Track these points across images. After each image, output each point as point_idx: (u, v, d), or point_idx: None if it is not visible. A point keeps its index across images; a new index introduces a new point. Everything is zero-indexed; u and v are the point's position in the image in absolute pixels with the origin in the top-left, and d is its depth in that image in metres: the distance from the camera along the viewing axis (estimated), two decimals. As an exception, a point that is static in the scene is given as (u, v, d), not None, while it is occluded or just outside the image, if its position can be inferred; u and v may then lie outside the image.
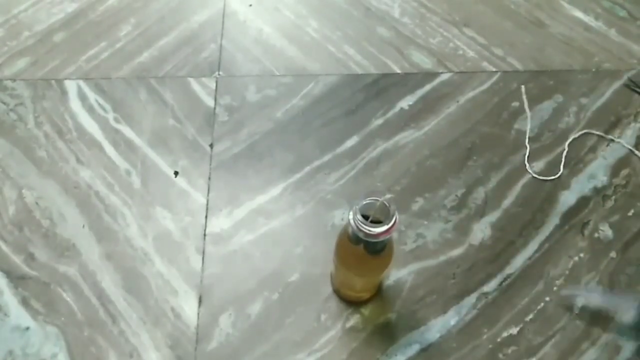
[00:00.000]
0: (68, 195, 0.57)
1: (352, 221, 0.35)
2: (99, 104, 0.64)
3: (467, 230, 0.55)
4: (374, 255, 0.40)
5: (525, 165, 0.59)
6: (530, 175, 0.59)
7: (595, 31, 0.72)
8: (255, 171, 0.59)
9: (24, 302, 0.51)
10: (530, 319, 0.50)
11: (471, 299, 0.51)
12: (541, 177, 0.58)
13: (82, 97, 0.65)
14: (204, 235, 0.55)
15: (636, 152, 0.60)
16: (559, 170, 0.59)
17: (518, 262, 0.53)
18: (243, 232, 0.55)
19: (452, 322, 0.50)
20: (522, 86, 0.65)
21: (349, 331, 0.50)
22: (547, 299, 0.51)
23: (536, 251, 0.54)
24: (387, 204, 0.35)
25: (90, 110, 0.64)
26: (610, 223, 0.56)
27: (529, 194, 0.58)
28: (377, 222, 0.35)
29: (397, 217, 0.35)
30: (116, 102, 0.64)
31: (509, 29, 0.72)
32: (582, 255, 0.54)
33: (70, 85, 0.65)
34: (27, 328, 0.50)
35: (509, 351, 0.49)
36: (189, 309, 0.51)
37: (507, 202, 0.57)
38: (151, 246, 0.54)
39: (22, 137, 0.61)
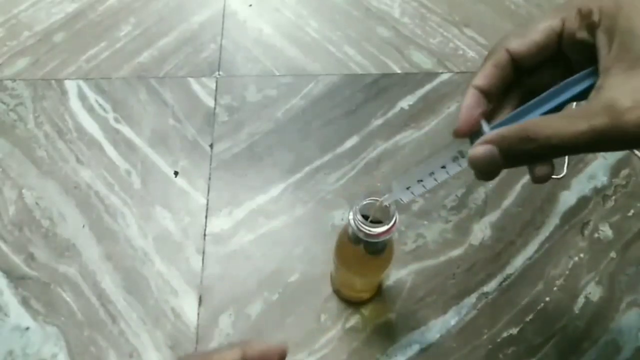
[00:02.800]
0: (68, 195, 0.57)
1: (352, 221, 0.35)
2: (99, 104, 0.64)
3: (467, 230, 0.55)
4: (374, 256, 0.40)
5: None
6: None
7: (595, 31, 0.71)
8: (255, 171, 0.59)
9: (24, 302, 0.51)
10: (530, 319, 0.50)
11: (471, 299, 0.51)
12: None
13: (82, 97, 0.65)
14: (204, 235, 0.55)
15: (636, 152, 0.60)
16: (563, 170, 0.59)
17: (518, 262, 0.53)
18: (243, 232, 0.55)
19: (452, 322, 0.50)
20: None
21: (349, 331, 0.50)
22: (547, 299, 0.51)
23: (536, 251, 0.54)
24: (387, 204, 0.35)
25: (90, 110, 0.64)
26: (610, 223, 0.56)
27: (529, 194, 0.58)
28: (377, 222, 0.35)
29: (397, 217, 0.35)
30: (116, 102, 0.64)
31: (509, 29, 0.72)
32: (582, 255, 0.54)
33: (70, 85, 0.66)
34: (27, 328, 0.50)
35: (509, 351, 0.49)
36: (189, 309, 0.51)
37: (507, 202, 0.57)
38: (151, 246, 0.54)
39: (22, 137, 0.61)
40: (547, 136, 0.23)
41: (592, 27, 0.24)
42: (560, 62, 0.27)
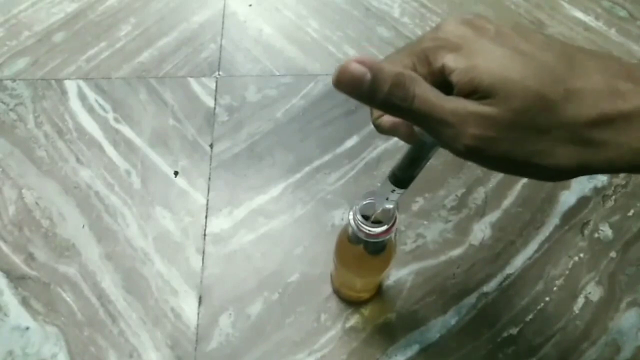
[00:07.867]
0: (68, 195, 0.57)
1: (352, 221, 0.35)
2: (99, 104, 0.64)
3: (467, 230, 0.55)
4: (374, 255, 0.40)
5: None
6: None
7: (595, 31, 0.72)
8: (255, 171, 0.59)
9: (24, 302, 0.51)
10: (530, 319, 0.50)
11: (471, 299, 0.51)
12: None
13: (82, 97, 0.65)
14: (204, 235, 0.55)
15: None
16: None
17: (518, 262, 0.53)
18: (243, 232, 0.55)
19: (452, 322, 0.50)
20: None
21: (349, 331, 0.50)
22: (547, 299, 0.51)
23: (536, 251, 0.54)
24: (389, 206, 0.35)
25: (90, 110, 0.64)
26: (610, 223, 0.56)
27: (529, 194, 0.58)
28: (378, 222, 0.35)
29: (397, 217, 0.35)
30: (116, 102, 0.64)
31: (509, 29, 0.72)
32: (582, 255, 0.54)
33: (70, 85, 0.66)
34: (27, 328, 0.50)
35: (509, 351, 0.49)
36: (189, 309, 0.51)
37: (507, 202, 0.57)
38: (151, 246, 0.54)
39: (22, 137, 0.61)
40: (416, 96, 0.22)
41: (439, 74, 0.24)
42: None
